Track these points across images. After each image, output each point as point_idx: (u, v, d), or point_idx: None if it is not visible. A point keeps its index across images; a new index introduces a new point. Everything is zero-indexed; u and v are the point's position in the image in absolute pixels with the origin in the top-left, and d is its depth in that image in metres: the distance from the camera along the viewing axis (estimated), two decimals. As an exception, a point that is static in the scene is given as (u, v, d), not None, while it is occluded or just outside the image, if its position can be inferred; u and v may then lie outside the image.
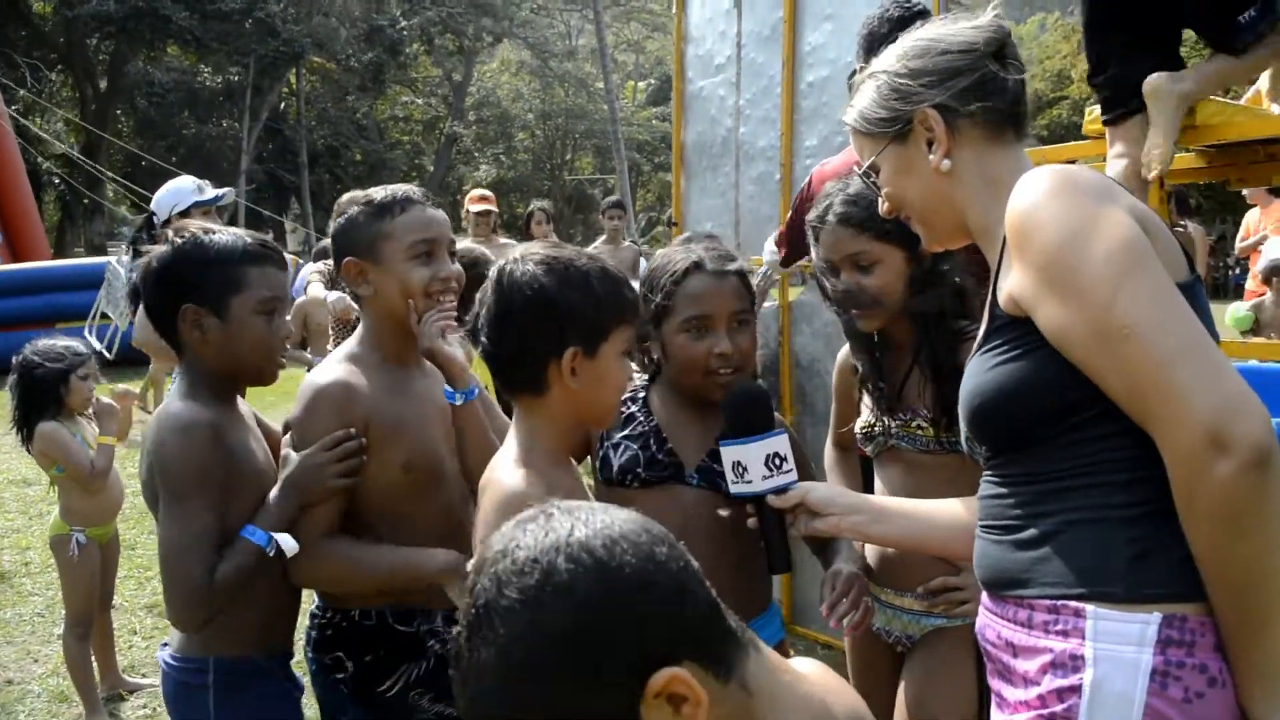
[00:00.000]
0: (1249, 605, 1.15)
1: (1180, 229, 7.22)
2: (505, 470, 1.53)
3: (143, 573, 5.25)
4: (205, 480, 1.78)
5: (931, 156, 1.44)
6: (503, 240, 7.13)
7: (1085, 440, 1.27)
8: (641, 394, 2.02)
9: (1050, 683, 1.23)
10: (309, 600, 2.02)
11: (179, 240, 1.88)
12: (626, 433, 1.96)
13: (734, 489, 1.69)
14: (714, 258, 1.93)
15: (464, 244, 2.53)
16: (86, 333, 4.98)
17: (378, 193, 1.95)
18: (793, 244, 2.90)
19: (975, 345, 1.42)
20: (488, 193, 7.37)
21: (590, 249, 7.09)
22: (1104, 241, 1.22)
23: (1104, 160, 2.62)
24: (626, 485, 1.92)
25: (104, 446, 3.66)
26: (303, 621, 2.01)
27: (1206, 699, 1.16)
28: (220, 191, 4.52)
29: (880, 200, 1.57)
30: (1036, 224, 1.28)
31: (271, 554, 1.78)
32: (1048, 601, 1.25)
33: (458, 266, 1.97)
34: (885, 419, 2.03)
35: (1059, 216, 1.26)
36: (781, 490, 1.65)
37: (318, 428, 1.83)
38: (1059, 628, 1.23)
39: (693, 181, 4.90)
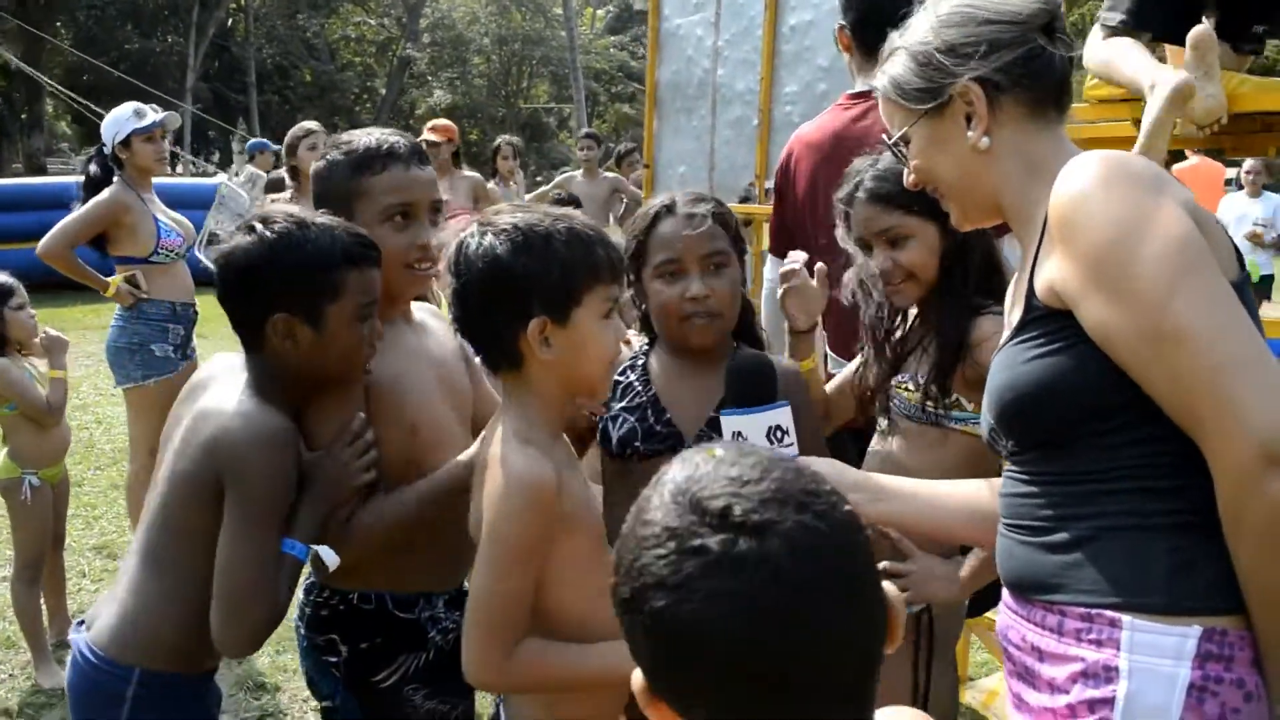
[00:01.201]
0: None
1: None
2: (509, 452, 1.43)
3: (89, 511, 5.09)
4: (285, 506, 1.65)
5: (970, 133, 1.36)
6: (466, 173, 6.93)
7: (1125, 443, 1.21)
8: (640, 360, 1.95)
9: (1081, 693, 1.19)
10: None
11: (269, 234, 1.65)
12: (624, 404, 1.89)
13: None
14: (686, 201, 1.87)
15: None
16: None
17: (361, 140, 1.78)
18: (782, 224, 2.78)
19: (1007, 335, 1.35)
20: (448, 124, 7.10)
21: (562, 177, 6.96)
22: (1158, 238, 1.15)
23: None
24: (626, 458, 1.86)
25: (57, 381, 3.49)
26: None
27: (1242, 715, 1.13)
28: (160, 116, 4.33)
29: (907, 173, 1.49)
30: (1085, 214, 1.20)
31: (310, 565, 1.69)
32: (1081, 609, 1.20)
33: (440, 231, 1.83)
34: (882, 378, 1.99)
35: (1110, 208, 1.19)
36: None
37: (319, 407, 1.73)
38: (1092, 636, 1.19)
39: (665, 122, 4.76)
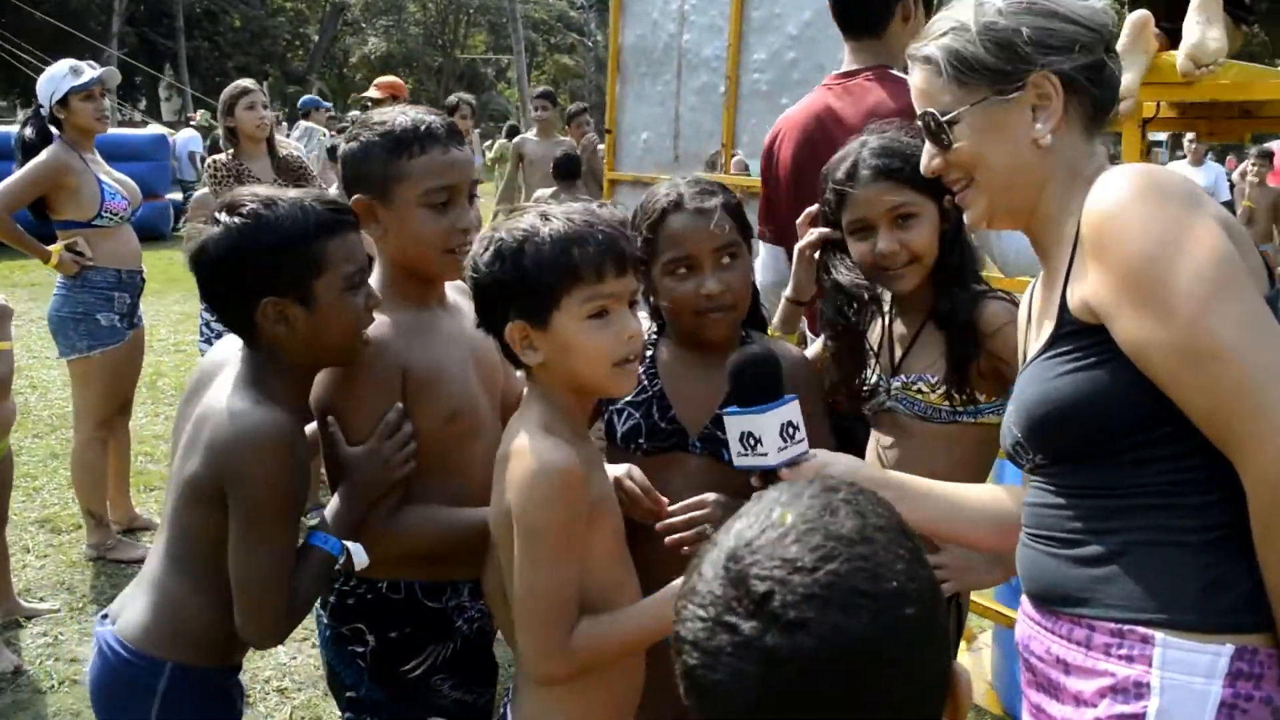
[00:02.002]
0: None
1: None
2: (527, 442, 1.43)
3: (30, 482, 4.92)
4: (293, 501, 1.61)
5: (1039, 125, 1.31)
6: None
7: (1157, 458, 1.21)
8: (649, 351, 1.91)
9: (1109, 708, 1.19)
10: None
11: (236, 221, 1.60)
12: (630, 398, 1.85)
13: (742, 461, 1.53)
14: (694, 194, 1.83)
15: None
16: None
17: (398, 120, 1.71)
18: (770, 214, 2.74)
19: (1037, 350, 1.33)
20: (395, 80, 6.92)
21: (517, 139, 6.80)
22: (1195, 254, 1.14)
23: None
24: (630, 453, 1.84)
25: (3, 353, 3.32)
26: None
27: None
28: (98, 72, 4.18)
29: (929, 154, 1.43)
30: (1121, 229, 1.19)
31: (342, 562, 1.65)
32: (1112, 624, 1.20)
33: (477, 212, 1.78)
34: (887, 378, 1.95)
35: (1146, 223, 1.17)
36: (795, 462, 1.52)
37: (356, 397, 1.68)
38: (1123, 652, 1.19)
39: (629, 87, 4.68)
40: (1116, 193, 1.21)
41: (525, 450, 1.42)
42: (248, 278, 1.59)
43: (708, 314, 1.80)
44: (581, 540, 1.43)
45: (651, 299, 1.89)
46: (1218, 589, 1.17)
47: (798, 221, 2.02)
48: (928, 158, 1.43)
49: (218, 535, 1.59)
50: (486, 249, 1.47)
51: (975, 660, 3.37)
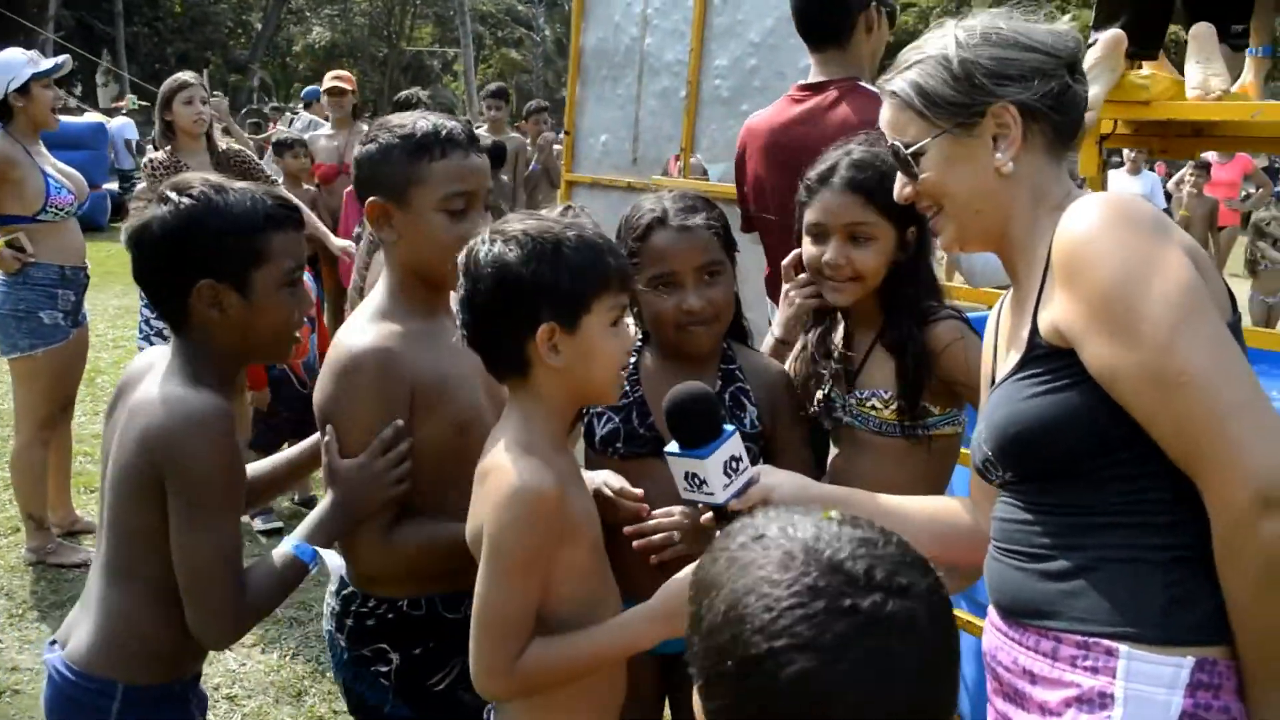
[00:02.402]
0: (1277, 655, 1.17)
1: None
2: (509, 460, 1.42)
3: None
4: (233, 484, 1.60)
5: (999, 154, 1.35)
6: (364, 126, 6.68)
7: (1124, 478, 1.25)
8: (633, 359, 1.93)
9: (1075, 717, 1.23)
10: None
11: (185, 201, 1.59)
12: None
13: (689, 496, 1.56)
14: (678, 210, 1.86)
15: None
16: None
17: (419, 124, 1.69)
18: (745, 217, 2.79)
19: (1007, 371, 1.36)
20: (344, 73, 6.82)
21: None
22: (1163, 283, 1.18)
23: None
24: (608, 456, 1.87)
25: None
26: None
27: None
28: (58, 60, 4.12)
29: (901, 184, 1.47)
30: (1091, 256, 1.23)
31: (314, 571, 1.63)
32: (1078, 637, 1.24)
33: (488, 217, 1.75)
34: (843, 395, 1.98)
35: (1116, 252, 1.21)
36: (742, 491, 1.54)
37: (358, 406, 1.65)
38: (1088, 664, 1.23)
39: (589, 89, 4.66)
40: (1088, 222, 1.25)
41: (506, 468, 1.41)
42: (189, 259, 1.58)
43: (689, 328, 1.84)
44: (544, 566, 1.42)
45: (636, 309, 1.90)
46: (1181, 605, 1.21)
47: (783, 263, 2.03)
48: (899, 186, 1.48)
49: (159, 532, 1.55)
50: (511, 247, 1.43)
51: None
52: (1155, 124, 2.55)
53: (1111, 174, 8.83)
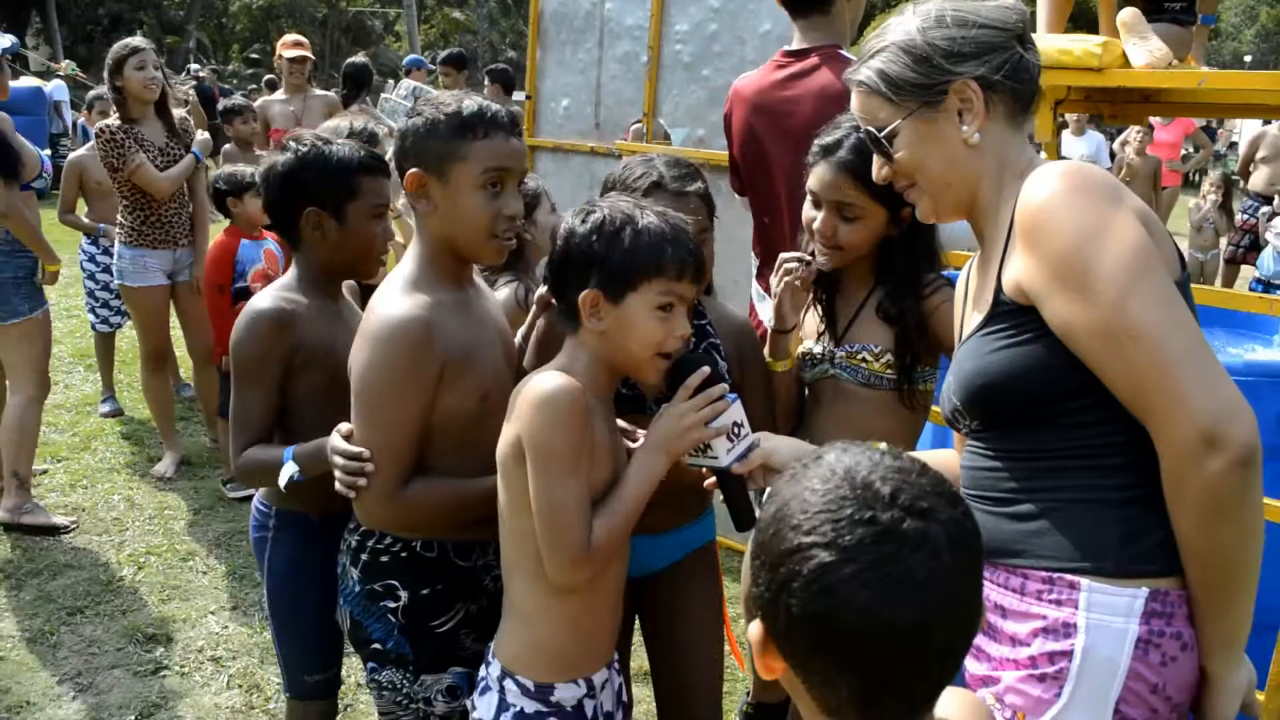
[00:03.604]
0: (1221, 582, 1.29)
1: None
2: (544, 376, 1.60)
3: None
4: (263, 364, 2.03)
5: (965, 128, 1.45)
6: (317, 91, 6.62)
7: (1082, 425, 1.36)
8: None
9: (1042, 646, 1.35)
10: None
11: (300, 149, 2.07)
12: None
13: (693, 461, 1.67)
14: (674, 176, 1.97)
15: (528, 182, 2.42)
16: None
17: (465, 104, 1.76)
18: (736, 170, 2.87)
19: (974, 326, 1.47)
20: (302, 39, 6.74)
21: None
22: (1116, 245, 1.29)
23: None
24: None
25: None
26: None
27: (1179, 662, 1.32)
28: (11, 40, 4.36)
29: (878, 165, 1.57)
30: (1051, 221, 1.33)
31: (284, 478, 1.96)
32: (1043, 572, 1.36)
33: (520, 203, 1.83)
34: (831, 347, 2.10)
35: (1073, 216, 1.32)
36: (744, 455, 1.65)
37: (395, 373, 1.72)
38: (1053, 597, 1.35)
39: (549, 54, 4.68)
40: (1048, 189, 1.35)
41: (540, 380, 1.58)
42: (300, 190, 2.06)
43: None
44: (587, 463, 1.57)
45: None
46: (1134, 539, 1.33)
47: (781, 255, 2.13)
48: (876, 168, 1.58)
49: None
50: (586, 220, 1.63)
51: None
52: (1105, 90, 2.66)
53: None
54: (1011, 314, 1.40)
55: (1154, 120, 9.45)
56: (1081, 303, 1.29)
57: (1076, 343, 1.32)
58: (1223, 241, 8.66)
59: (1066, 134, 8.95)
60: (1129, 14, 2.49)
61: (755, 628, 0.95)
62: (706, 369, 1.63)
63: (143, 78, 4.48)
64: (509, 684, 1.67)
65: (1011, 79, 1.46)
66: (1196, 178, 10.44)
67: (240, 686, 3.13)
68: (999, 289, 1.43)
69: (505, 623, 1.70)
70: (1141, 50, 2.44)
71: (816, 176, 2.01)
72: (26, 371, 4.12)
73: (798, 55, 2.62)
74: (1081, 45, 2.50)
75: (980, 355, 1.43)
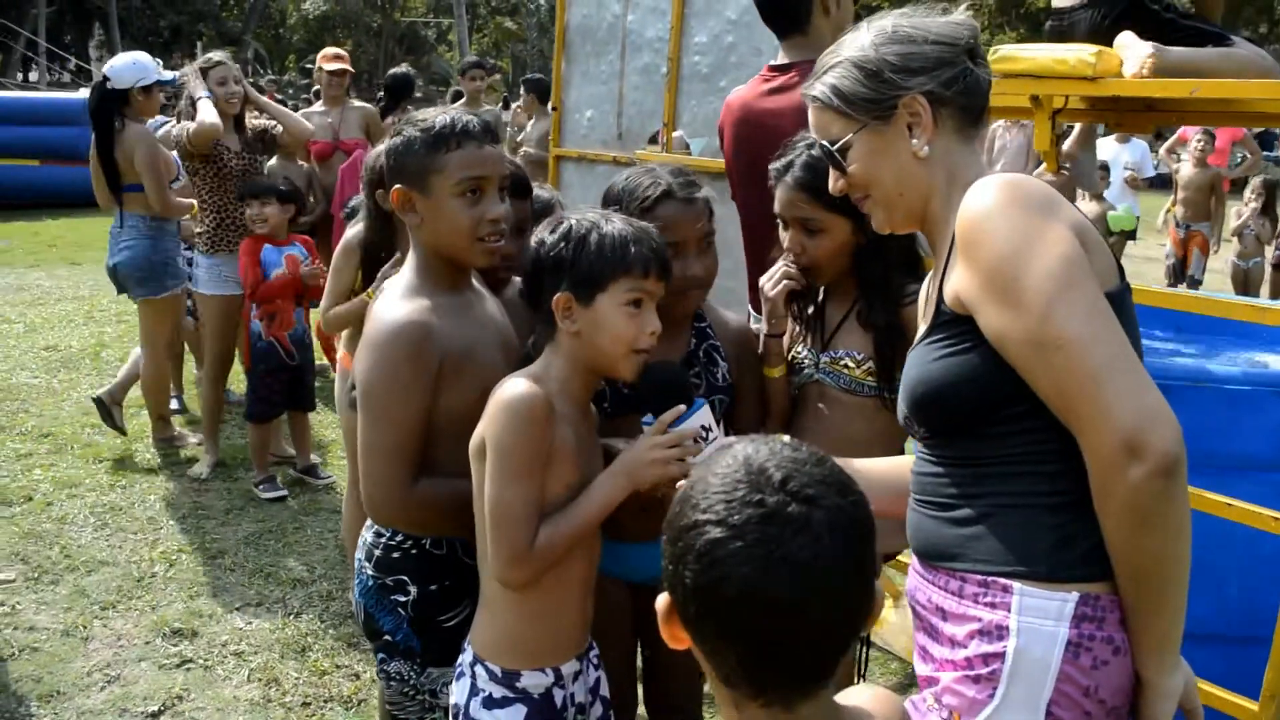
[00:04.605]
0: (1148, 588, 1.32)
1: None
2: (513, 381, 1.68)
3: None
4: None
5: (914, 141, 1.49)
6: (356, 104, 6.77)
7: (1016, 433, 1.40)
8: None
9: (977, 647, 1.38)
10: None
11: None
12: None
13: None
14: (680, 185, 2.06)
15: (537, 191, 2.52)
16: None
17: (438, 120, 1.89)
18: (731, 179, 2.94)
19: (920, 335, 1.51)
20: (342, 52, 6.90)
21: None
22: (1045, 257, 1.32)
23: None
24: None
25: None
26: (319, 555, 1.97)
27: (1110, 665, 1.34)
28: (176, 74, 5.07)
29: (834, 179, 1.62)
30: (985, 232, 1.36)
31: None
32: (979, 576, 1.40)
33: (506, 205, 1.93)
34: (815, 354, 2.15)
35: (1006, 228, 1.35)
36: None
37: (396, 375, 1.80)
38: (988, 600, 1.38)
39: (574, 66, 4.78)
40: (984, 201, 1.39)
41: (507, 385, 1.67)
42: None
43: (688, 292, 2.04)
44: (543, 465, 1.64)
45: None
46: (1066, 545, 1.36)
47: (779, 261, 2.19)
48: (832, 181, 1.63)
49: None
50: (555, 230, 1.74)
51: (902, 615, 3.60)
52: (1109, 99, 2.67)
53: (1102, 141, 8.92)
54: (952, 324, 1.44)
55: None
56: (1011, 312, 1.33)
57: (1008, 352, 1.35)
58: (1268, 249, 8.49)
59: (1111, 140, 8.85)
60: (1125, 37, 2.51)
61: (662, 599, 1.03)
62: (682, 406, 1.71)
63: (224, 92, 4.69)
64: (479, 669, 1.75)
65: (960, 94, 1.50)
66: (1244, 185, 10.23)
67: (260, 680, 3.24)
68: (940, 299, 1.47)
69: (479, 612, 1.80)
70: (1132, 58, 2.45)
71: (778, 198, 2.09)
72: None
73: (781, 70, 2.67)
74: (1076, 55, 2.52)
75: (922, 364, 1.47)
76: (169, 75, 4.99)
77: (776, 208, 2.09)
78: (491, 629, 1.76)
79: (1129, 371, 1.28)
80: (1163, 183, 11.82)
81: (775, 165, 2.09)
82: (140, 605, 3.67)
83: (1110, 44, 2.56)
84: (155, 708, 3.08)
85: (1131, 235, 9.14)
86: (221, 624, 3.57)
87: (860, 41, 1.53)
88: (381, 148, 2.25)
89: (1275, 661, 2.25)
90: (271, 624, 3.59)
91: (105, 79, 4.79)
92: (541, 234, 1.75)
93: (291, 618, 3.63)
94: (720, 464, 1.01)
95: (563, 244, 1.71)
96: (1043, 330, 1.30)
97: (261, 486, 4.68)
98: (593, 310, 1.69)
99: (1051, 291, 1.30)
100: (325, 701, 3.14)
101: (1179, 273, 8.98)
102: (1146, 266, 11.02)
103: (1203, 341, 3.41)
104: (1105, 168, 8.36)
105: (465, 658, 1.79)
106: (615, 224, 1.72)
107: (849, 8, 2.79)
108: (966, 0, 1.56)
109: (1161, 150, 10.07)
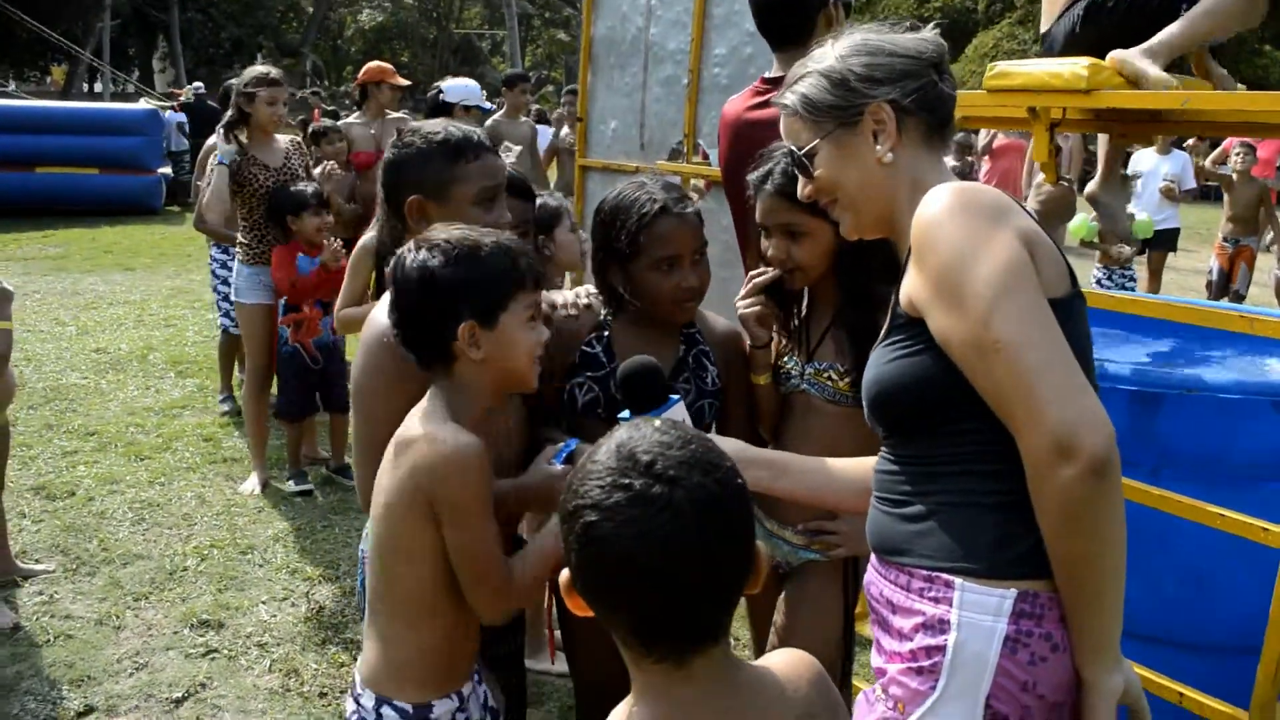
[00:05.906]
0: (1084, 587, 1.35)
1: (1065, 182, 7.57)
2: (435, 429, 1.61)
3: (25, 451, 5.15)
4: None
5: (878, 147, 1.55)
6: (394, 115, 6.92)
7: (962, 432, 1.44)
8: (606, 332, 2.20)
9: (921, 640, 1.43)
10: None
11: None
12: (591, 373, 2.17)
13: None
14: (674, 200, 2.12)
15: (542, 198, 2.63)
16: None
17: (451, 133, 1.98)
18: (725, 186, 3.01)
19: (880, 337, 1.57)
20: (387, 65, 7.05)
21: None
22: (987, 263, 1.37)
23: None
24: (590, 420, 2.14)
25: (3, 331, 3.52)
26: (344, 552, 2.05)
27: (1049, 662, 1.38)
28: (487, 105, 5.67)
29: (802, 184, 1.67)
30: (935, 238, 1.42)
31: None
32: (924, 571, 1.44)
33: (508, 214, 2.03)
34: (800, 364, 2.20)
35: (954, 234, 1.40)
36: None
37: (385, 376, 1.83)
38: (931, 594, 1.43)
39: (599, 78, 4.86)
40: (935, 207, 1.44)
41: (435, 437, 1.59)
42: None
43: (684, 303, 2.13)
44: (492, 506, 1.65)
45: (620, 288, 2.16)
46: (1006, 543, 1.40)
47: (750, 274, 2.26)
48: (801, 186, 1.68)
49: None
50: (439, 254, 1.63)
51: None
52: (1112, 111, 2.69)
53: (1141, 152, 8.81)
54: (905, 326, 1.49)
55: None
56: (954, 315, 1.38)
57: (952, 353, 1.40)
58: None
59: (1151, 152, 8.73)
60: (1118, 54, 2.54)
61: (564, 574, 1.14)
62: (574, 440, 1.80)
63: (271, 112, 4.74)
64: (386, 711, 1.69)
65: (924, 104, 1.55)
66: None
67: (280, 670, 3.36)
68: (896, 301, 1.52)
69: (372, 657, 1.72)
70: (1133, 74, 2.48)
71: (759, 208, 2.13)
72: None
73: (774, 83, 2.73)
74: (1070, 68, 2.55)
75: (879, 365, 1.53)
76: (487, 106, 5.45)
77: (758, 217, 2.14)
78: (393, 666, 1.70)
79: (1061, 375, 1.32)
80: (1204, 194, 11.64)
81: (754, 177, 2.13)
82: (171, 597, 3.82)
83: (1093, 51, 2.58)
84: (180, 694, 3.20)
85: (1169, 246, 8.98)
86: (247, 616, 3.70)
87: (829, 53, 1.59)
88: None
89: (1265, 671, 2.25)
90: (294, 617, 3.71)
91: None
92: (418, 261, 1.65)
93: (314, 612, 3.75)
94: (600, 451, 1.11)
95: (453, 266, 1.63)
96: (982, 333, 1.34)
97: (291, 481, 4.83)
98: (499, 331, 1.65)
99: (991, 296, 1.34)
100: (341, 692, 3.24)
101: (1223, 287, 8.83)
102: (1194, 279, 10.86)
103: (1218, 350, 3.39)
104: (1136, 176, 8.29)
105: (367, 703, 1.71)
106: (489, 239, 1.67)
107: (845, 25, 2.85)
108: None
109: (1206, 162, 9.90)
